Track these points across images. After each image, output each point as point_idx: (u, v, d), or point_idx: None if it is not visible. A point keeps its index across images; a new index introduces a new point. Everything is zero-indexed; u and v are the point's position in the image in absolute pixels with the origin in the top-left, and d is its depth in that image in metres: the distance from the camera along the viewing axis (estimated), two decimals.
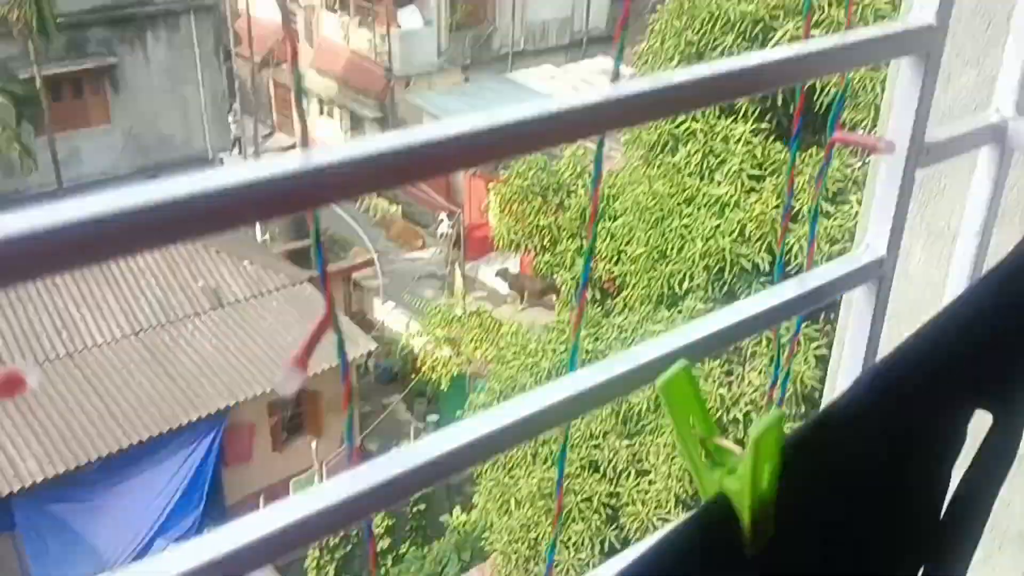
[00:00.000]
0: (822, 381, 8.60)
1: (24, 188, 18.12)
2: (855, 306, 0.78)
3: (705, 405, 0.50)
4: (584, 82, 27.55)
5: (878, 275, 0.80)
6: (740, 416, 8.24)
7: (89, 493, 12.95)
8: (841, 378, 0.81)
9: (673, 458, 8.78)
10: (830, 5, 8.09)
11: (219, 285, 15.33)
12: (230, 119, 23.73)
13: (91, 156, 19.09)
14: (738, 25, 8.41)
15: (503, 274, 21.51)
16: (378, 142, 0.35)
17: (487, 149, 0.39)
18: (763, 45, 8.45)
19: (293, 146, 30.32)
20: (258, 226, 19.87)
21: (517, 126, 0.38)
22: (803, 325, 8.58)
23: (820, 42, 0.59)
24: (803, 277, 0.70)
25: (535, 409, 0.54)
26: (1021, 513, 1.61)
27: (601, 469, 9.66)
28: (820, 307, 0.70)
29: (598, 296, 11.79)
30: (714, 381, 8.67)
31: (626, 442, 9.44)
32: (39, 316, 14.00)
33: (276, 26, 30.01)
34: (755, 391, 8.41)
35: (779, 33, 8.16)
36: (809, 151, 8.64)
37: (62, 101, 18.41)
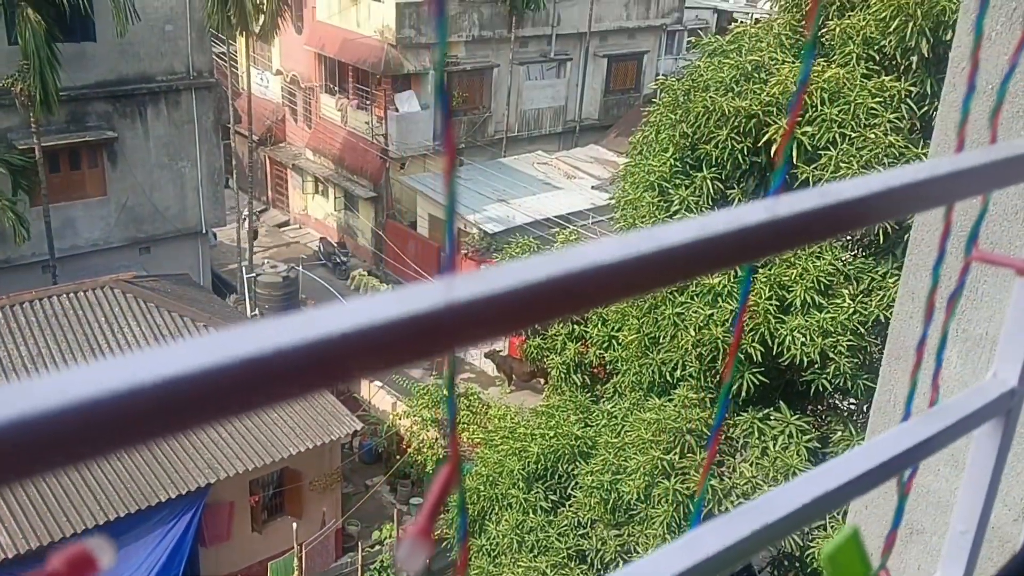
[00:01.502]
0: None
1: (16, 257, 18.08)
2: (979, 439, 0.73)
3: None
4: (576, 168, 28.02)
5: (1007, 407, 0.74)
6: (731, 508, 8.10)
7: None
8: (959, 516, 0.75)
9: None
10: (823, 103, 8.28)
11: None
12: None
13: (85, 227, 19.13)
14: (732, 120, 8.59)
15: (492, 356, 21.45)
16: (526, 272, 0.33)
17: (644, 277, 0.37)
18: (756, 140, 8.62)
19: (287, 222, 30.52)
20: (247, 301, 19.83)
21: (677, 250, 0.37)
22: (794, 416, 8.55)
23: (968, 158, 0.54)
24: (931, 414, 0.65)
25: None
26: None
27: (588, 559, 9.45)
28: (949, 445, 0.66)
29: (588, 381, 11.74)
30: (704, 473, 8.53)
31: (615, 532, 9.27)
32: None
33: (275, 106, 30.54)
34: (746, 483, 8.31)
35: (772, 129, 8.33)
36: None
37: (59, 172, 18.53)
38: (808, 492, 0.54)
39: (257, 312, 18.83)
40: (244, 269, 21.47)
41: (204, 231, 20.97)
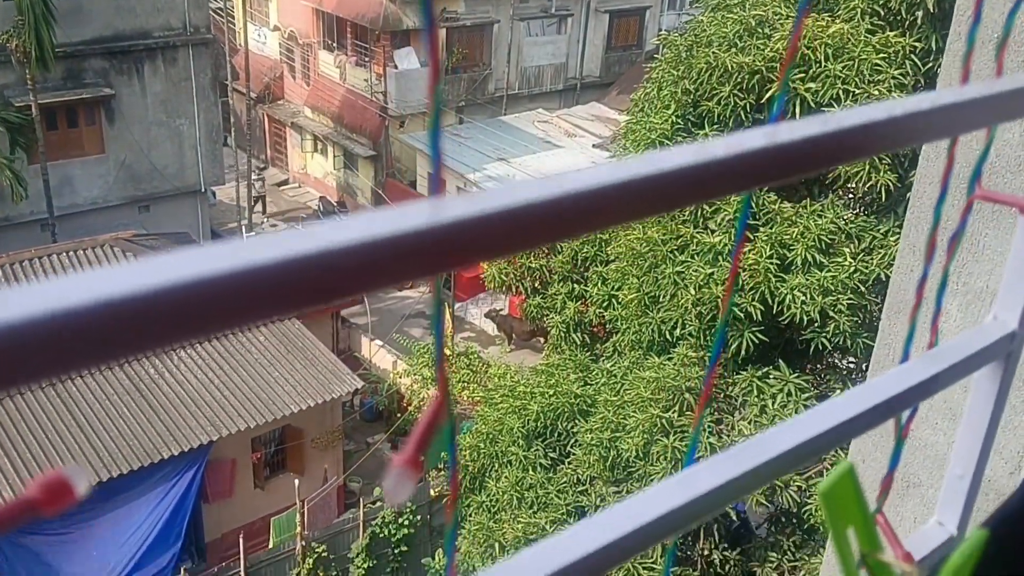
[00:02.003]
0: None
1: (15, 216, 18.03)
2: (978, 382, 0.72)
3: (869, 514, 0.47)
4: (576, 127, 27.83)
5: (1007, 351, 0.73)
6: (706, 434, 8.17)
7: (65, 526, 12.71)
8: (956, 461, 0.74)
9: None
10: (827, 59, 8.19)
11: None
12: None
13: (83, 185, 19.05)
14: (735, 76, 8.50)
15: (492, 315, 21.49)
16: (518, 193, 0.32)
17: (640, 202, 0.36)
18: (759, 97, 8.54)
19: (286, 181, 30.40)
20: None
21: (674, 175, 0.36)
22: (793, 375, 8.57)
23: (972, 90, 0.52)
24: (929, 356, 0.64)
25: (645, 520, 0.47)
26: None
27: (587, 516, 9.55)
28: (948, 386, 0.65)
29: (587, 340, 11.77)
30: (704, 429, 8.60)
31: (613, 489, 9.35)
32: None
33: (273, 62, 30.24)
34: (745, 441, 8.36)
35: (775, 85, 8.25)
36: (803, 203, 8.69)
37: (57, 130, 18.40)
38: (806, 430, 0.54)
39: None
40: (243, 228, 21.43)
41: (203, 189, 20.90)
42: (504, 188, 0.33)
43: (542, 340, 17.15)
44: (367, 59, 26.81)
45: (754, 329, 8.29)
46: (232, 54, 26.00)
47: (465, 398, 15.42)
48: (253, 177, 26.35)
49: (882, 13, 8.62)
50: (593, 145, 26.28)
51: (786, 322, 8.17)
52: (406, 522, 14.75)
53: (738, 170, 0.39)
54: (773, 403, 8.37)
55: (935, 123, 0.49)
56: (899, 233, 8.17)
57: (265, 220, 22.10)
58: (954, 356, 0.64)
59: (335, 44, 27.95)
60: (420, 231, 0.31)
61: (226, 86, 24.70)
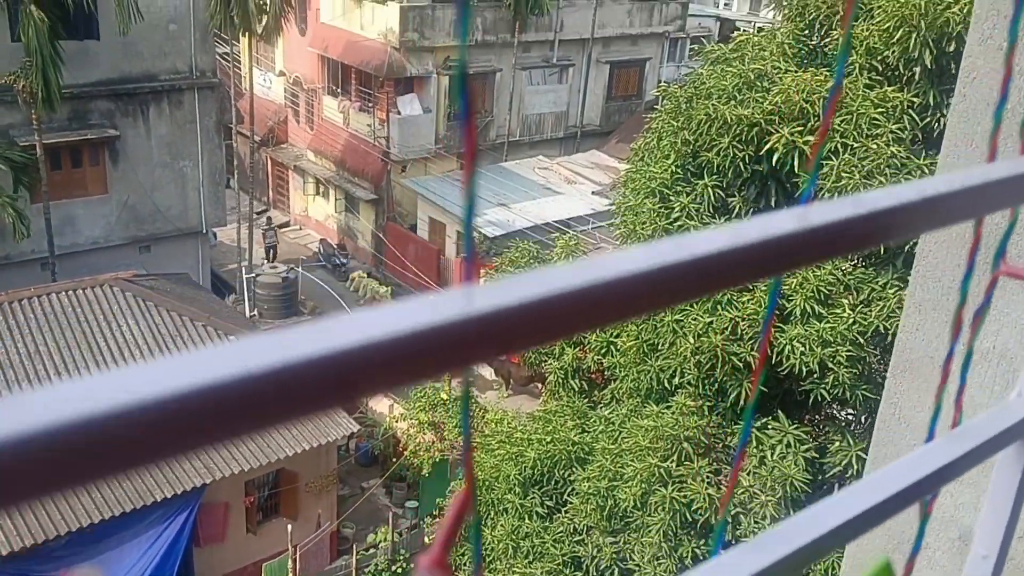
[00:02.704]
0: (812, 484, 8.48)
1: (16, 254, 18.06)
2: (1002, 461, 0.71)
3: None
4: (576, 174, 28.03)
5: None
6: (729, 518, 8.09)
7: (55, 568, 12.52)
8: (982, 536, 0.72)
9: (659, 559, 8.58)
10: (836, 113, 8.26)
11: None
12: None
13: (85, 224, 19.11)
14: (734, 128, 8.58)
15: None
16: (552, 281, 0.31)
17: (676, 288, 0.35)
18: (758, 148, 8.61)
19: (287, 223, 30.51)
20: (246, 301, 19.82)
21: (708, 260, 0.35)
22: (792, 427, 8.51)
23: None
24: (953, 436, 0.62)
25: None
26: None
27: (584, 566, 9.42)
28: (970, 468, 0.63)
29: (586, 387, 11.71)
30: (703, 480, 8.54)
31: (610, 539, 9.24)
32: (18, 383, 13.77)
33: (277, 107, 30.54)
34: (744, 492, 8.28)
35: (775, 137, 8.32)
36: None
37: (60, 170, 18.51)
38: (833, 518, 0.52)
39: (256, 313, 18.79)
40: (243, 270, 21.45)
41: (204, 231, 20.96)
42: (537, 275, 0.33)
43: (540, 385, 17.07)
44: (370, 105, 27.08)
45: (751, 379, 8.26)
46: (237, 98, 26.26)
47: (461, 444, 15.30)
48: (265, 226, 26.52)
49: (880, 68, 8.73)
50: (592, 192, 26.44)
51: (785, 372, 8.14)
52: (399, 570, 14.55)
53: (771, 254, 0.38)
54: (772, 454, 8.31)
55: (965, 203, 0.48)
56: (898, 285, 8.18)
57: (264, 262, 22.14)
58: (978, 436, 0.63)
59: (339, 90, 28.26)
60: (455, 323, 0.30)
61: (230, 129, 24.91)
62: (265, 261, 23.75)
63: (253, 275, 19.79)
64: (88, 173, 19.02)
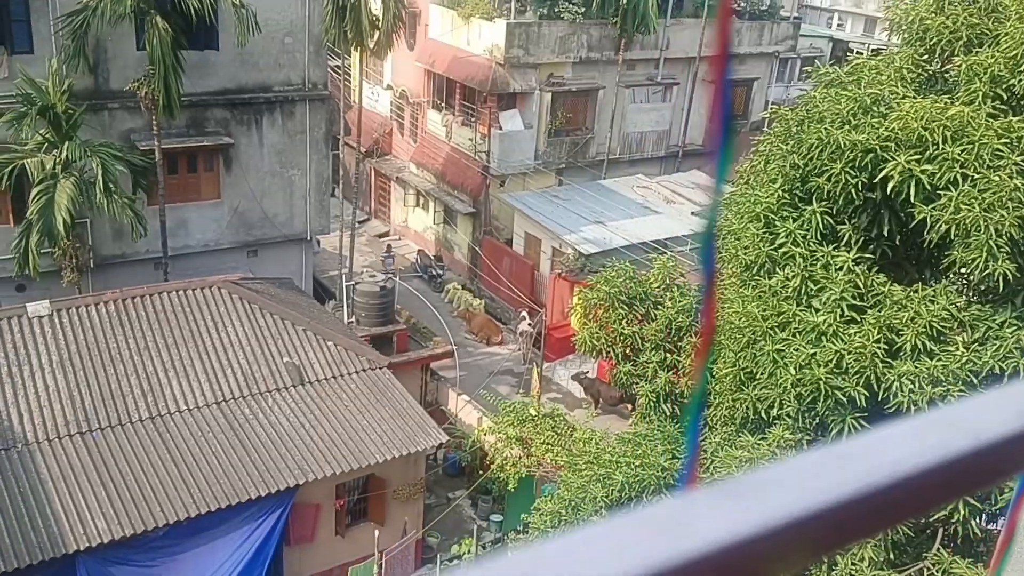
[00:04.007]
0: (913, 528, 8.11)
1: (131, 253, 18.90)
2: None
3: None
4: (676, 193, 27.69)
5: None
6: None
7: (152, 558, 12.98)
8: None
9: None
10: (944, 141, 7.94)
11: (303, 362, 15.54)
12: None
13: (198, 228, 19.87)
14: (847, 153, 8.32)
15: (579, 378, 21.31)
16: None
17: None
18: (872, 176, 8.33)
19: (387, 233, 31.09)
20: (345, 308, 20.24)
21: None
22: None
23: None
24: None
25: None
26: None
27: None
28: None
29: (677, 412, 11.49)
30: None
31: None
32: (127, 377, 14.37)
33: (383, 119, 31.21)
34: None
35: (890, 165, 8.02)
36: (914, 287, 8.38)
37: (176, 174, 19.32)
38: None
39: (354, 319, 19.15)
40: (343, 277, 21.92)
41: (309, 238, 21.53)
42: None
43: (629, 407, 16.86)
44: (473, 119, 27.39)
45: (857, 415, 7.96)
46: (346, 110, 26.94)
47: (548, 461, 15.23)
48: (384, 254, 27.22)
49: (1005, 97, 8.35)
50: (692, 212, 26.08)
51: (892, 410, 7.82)
52: None
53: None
54: None
55: None
56: (1016, 324, 7.76)
57: (364, 271, 22.59)
58: None
59: (444, 104, 28.70)
60: None
61: (338, 140, 25.57)
62: (364, 269, 24.23)
63: (353, 283, 20.20)
64: (203, 178, 19.80)
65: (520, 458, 15.75)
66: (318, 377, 15.46)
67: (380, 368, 16.06)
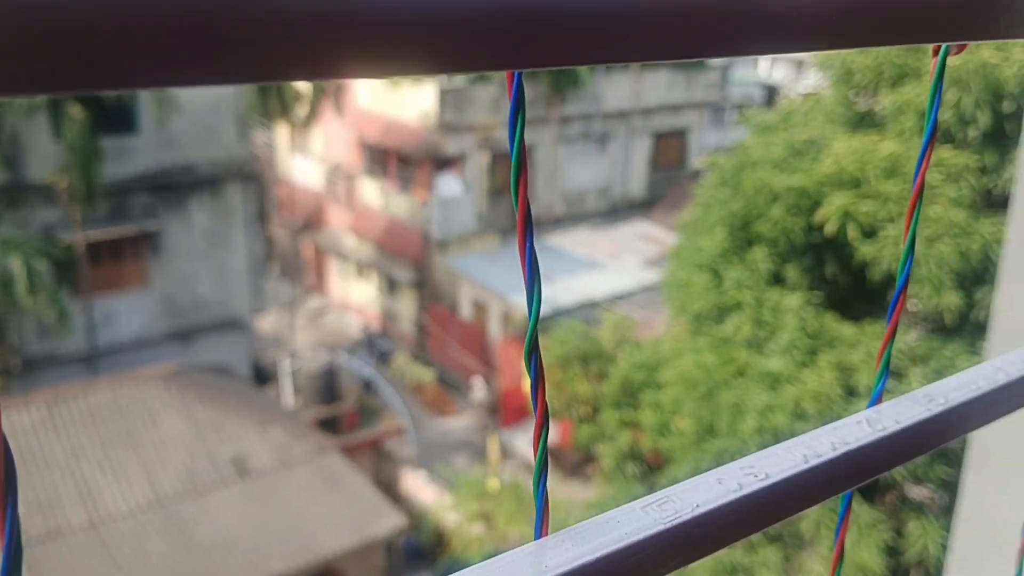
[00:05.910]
0: (888, 569, 7.87)
1: (58, 352, 18.10)
2: None
3: None
4: (621, 247, 27.71)
5: None
6: None
7: None
8: None
9: None
10: (877, 178, 7.88)
11: (246, 453, 14.87)
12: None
13: (127, 318, 19.14)
14: (784, 198, 8.21)
15: None
16: None
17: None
18: (809, 217, 8.23)
19: (325, 309, 30.52)
20: (287, 391, 19.60)
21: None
22: (863, 508, 7.92)
23: None
24: None
25: None
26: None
27: None
28: None
29: (641, 473, 11.18)
30: (769, 569, 7.96)
31: None
32: (62, 481, 13.61)
33: (315, 193, 30.87)
34: None
35: (827, 207, 7.93)
36: (863, 326, 8.24)
37: (101, 265, 18.64)
38: None
39: (298, 402, 18.53)
40: (283, 359, 21.31)
41: (244, 320, 20.91)
42: None
43: (588, 469, 16.47)
44: (409, 186, 27.23)
45: None
46: (276, 185, 26.58)
47: (514, 535, 14.70)
48: (368, 354, 26.38)
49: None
50: (638, 265, 26.07)
51: None
52: None
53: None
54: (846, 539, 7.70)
55: None
56: (967, 354, 7.63)
57: (306, 351, 21.99)
58: None
59: (379, 172, 28.51)
60: None
61: (269, 217, 25.14)
62: (306, 351, 23.61)
63: (294, 365, 19.61)
64: (129, 266, 19.14)
65: (483, 534, 15.19)
66: (263, 468, 14.80)
67: (328, 452, 15.45)
